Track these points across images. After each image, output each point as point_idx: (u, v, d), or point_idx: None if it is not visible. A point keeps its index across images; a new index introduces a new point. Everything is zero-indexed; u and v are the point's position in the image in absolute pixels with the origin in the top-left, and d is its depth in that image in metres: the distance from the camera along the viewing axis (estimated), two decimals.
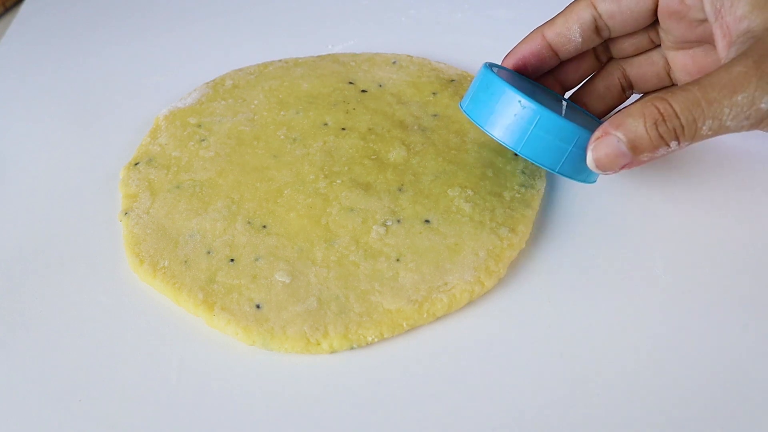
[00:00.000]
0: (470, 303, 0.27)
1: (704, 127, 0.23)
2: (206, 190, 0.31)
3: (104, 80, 0.40)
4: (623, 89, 0.31)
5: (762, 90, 0.22)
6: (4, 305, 0.28)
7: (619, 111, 0.24)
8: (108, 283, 0.29)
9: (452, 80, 0.37)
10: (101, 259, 0.30)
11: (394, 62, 0.39)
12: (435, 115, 0.35)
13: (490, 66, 0.28)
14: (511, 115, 0.26)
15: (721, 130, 0.23)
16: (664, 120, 0.23)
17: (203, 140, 0.34)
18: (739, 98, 0.22)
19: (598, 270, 0.28)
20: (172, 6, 0.47)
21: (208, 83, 0.38)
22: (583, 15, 0.28)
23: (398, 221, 0.29)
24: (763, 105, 0.22)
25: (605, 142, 0.24)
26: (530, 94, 0.26)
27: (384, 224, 0.29)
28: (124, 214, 0.31)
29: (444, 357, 0.26)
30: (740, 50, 0.23)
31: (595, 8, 0.27)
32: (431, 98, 0.36)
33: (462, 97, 0.36)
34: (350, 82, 0.37)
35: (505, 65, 0.30)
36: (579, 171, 0.26)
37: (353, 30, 0.44)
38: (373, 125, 0.34)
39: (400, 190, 0.31)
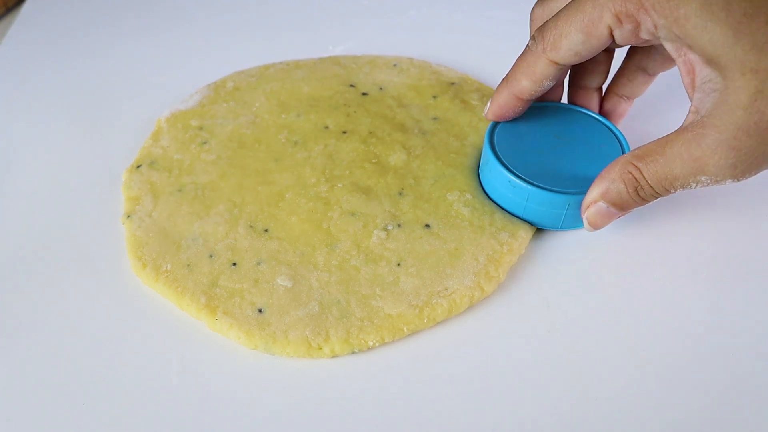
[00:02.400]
0: (470, 307, 0.27)
1: (676, 192, 0.25)
2: (208, 193, 0.31)
3: (105, 81, 0.40)
4: (646, 71, 0.31)
5: (723, 175, 0.23)
6: (6, 308, 0.28)
7: (601, 174, 0.26)
8: (110, 286, 0.29)
9: (452, 83, 0.38)
10: (104, 262, 0.30)
11: (394, 65, 0.39)
12: (435, 119, 0.35)
13: (494, 125, 0.31)
14: (508, 192, 0.29)
15: (694, 189, 0.24)
16: (641, 186, 0.25)
17: (205, 143, 0.34)
18: (703, 178, 0.23)
19: (597, 275, 0.29)
20: (173, 7, 0.47)
21: (209, 85, 0.38)
22: (547, 72, 0.27)
23: (399, 225, 0.30)
24: (727, 183, 0.24)
25: (595, 210, 0.26)
26: (532, 146, 0.29)
27: (385, 228, 0.29)
28: (126, 217, 0.31)
29: (444, 362, 0.26)
30: (703, 106, 0.23)
31: (557, 63, 0.27)
32: (432, 101, 0.36)
33: (462, 101, 0.36)
34: (351, 85, 0.37)
35: (490, 119, 0.31)
36: (580, 222, 0.29)
37: (354, 31, 0.44)
38: (374, 128, 0.34)
39: (400, 194, 0.31)
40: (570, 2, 0.26)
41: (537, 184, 0.28)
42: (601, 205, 0.26)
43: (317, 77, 0.38)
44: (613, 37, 0.25)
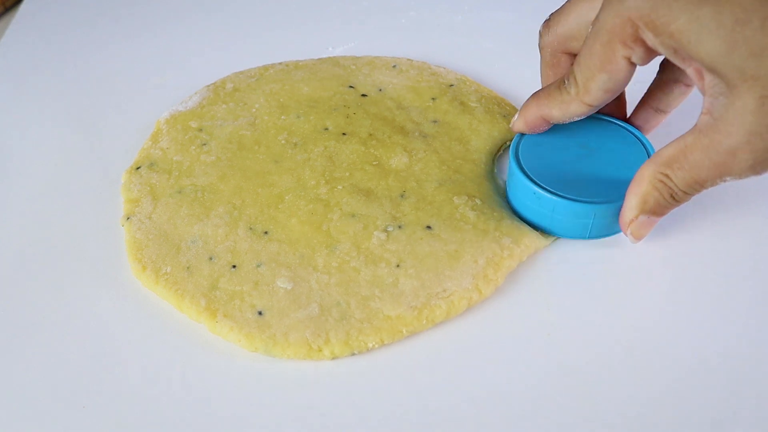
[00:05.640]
0: (469, 310, 0.28)
1: (708, 190, 0.25)
2: (208, 195, 0.32)
3: (104, 82, 0.40)
4: (683, 83, 0.30)
5: (745, 174, 0.24)
6: (5, 311, 0.28)
7: (631, 188, 0.26)
8: (110, 289, 0.29)
9: (451, 85, 0.38)
10: (103, 264, 0.30)
11: (394, 66, 0.39)
12: (435, 122, 0.35)
13: (520, 136, 0.31)
14: (533, 204, 0.29)
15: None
16: (674, 192, 0.25)
17: (204, 144, 0.34)
18: (728, 178, 0.24)
19: (596, 280, 0.29)
20: (172, 8, 0.47)
21: (208, 86, 0.38)
22: (580, 111, 0.27)
23: (399, 227, 0.30)
24: (749, 177, 0.24)
25: (638, 224, 0.27)
26: (558, 157, 0.29)
27: (385, 230, 0.30)
28: (126, 219, 0.31)
29: (443, 363, 0.26)
30: (714, 108, 0.23)
31: (591, 105, 0.27)
32: (430, 104, 0.36)
33: (461, 103, 0.36)
34: (350, 86, 0.37)
35: (516, 132, 0.31)
36: (607, 231, 0.29)
37: (354, 32, 0.44)
38: (374, 130, 0.34)
39: (402, 196, 0.31)
40: (585, 41, 0.26)
41: (562, 194, 0.28)
42: (642, 217, 0.27)
43: (317, 78, 0.38)
44: (634, 62, 0.25)
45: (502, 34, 0.43)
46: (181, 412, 0.25)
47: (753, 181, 0.32)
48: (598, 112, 0.31)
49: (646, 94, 0.31)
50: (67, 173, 0.34)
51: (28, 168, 0.35)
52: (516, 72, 0.40)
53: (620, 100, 0.32)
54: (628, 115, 0.32)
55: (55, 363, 0.26)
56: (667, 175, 0.25)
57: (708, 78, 0.23)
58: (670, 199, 0.26)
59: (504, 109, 0.36)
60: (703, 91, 0.24)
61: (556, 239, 0.30)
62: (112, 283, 0.29)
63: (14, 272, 0.30)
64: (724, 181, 0.24)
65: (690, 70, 0.24)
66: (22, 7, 0.47)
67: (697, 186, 0.25)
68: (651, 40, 0.23)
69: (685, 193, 0.25)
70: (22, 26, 0.45)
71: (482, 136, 0.34)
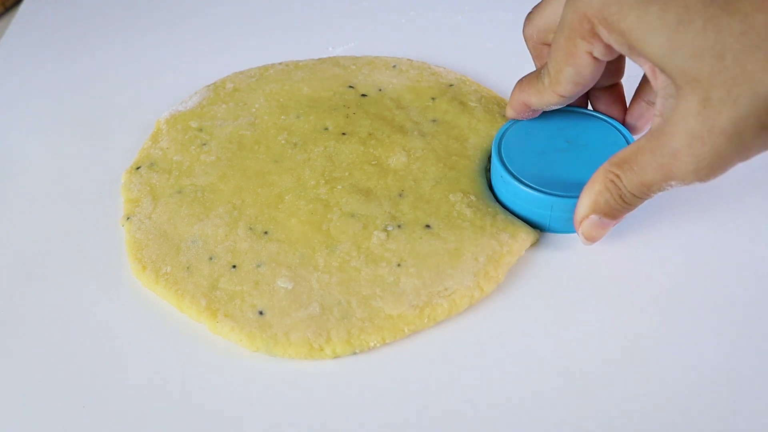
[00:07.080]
0: (470, 307, 0.28)
1: (656, 194, 0.25)
2: (208, 195, 0.31)
3: (104, 83, 0.40)
4: None
5: (689, 179, 0.23)
6: (5, 311, 0.28)
7: (586, 186, 0.26)
8: (110, 289, 0.29)
9: (451, 85, 0.38)
10: (103, 264, 0.30)
11: (394, 66, 0.39)
12: (434, 121, 0.35)
13: (511, 123, 0.32)
14: (502, 187, 0.30)
15: (669, 190, 0.25)
16: (623, 193, 0.25)
17: (204, 144, 0.34)
18: (673, 182, 0.24)
19: (598, 276, 0.29)
20: (172, 8, 0.47)
21: (208, 86, 0.38)
22: (554, 101, 0.28)
23: (399, 226, 0.30)
24: (695, 184, 0.24)
25: (588, 224, 0.27)
26: (538, 147, 0.30)
27: (385, 230, 0.30)
28: (126, 219, 0.31)
29: (445, 361, 0.26)
30: (665, 111, 0.23)
31: (563, 96, 0.27)
32: (430, 103, 0.36)
33: (460, 103, 0.36)
34: (350, 86, 0.37)
35: (508, 118, 0.32)
36: (568, 227, 0.30)
37: (354, 32, 0.44)
38: (374, 130, 0.34)
39: (400, 195, 0.31)
40: (555, 34, 0.26)
41: (524, 181, 0.29)
42: (594, 217, 0.26)
43: (317, 78, 0.38)
44: (597, 57, 0.25)
45: (502, 34, 0.43)
46: (181, 412, 0.24)
47: (751, 178, 0.32)
48: (595, 110, 0.32)
49: (637, 87, 0.31)
50: (68, 174, 0.34)
51: (28, 168, 0.35)
52: (516, 72, 0.39)
53: (620, 102, 0.31)
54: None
55: (55, 363, 0.26)
56: (617, 176, 0.25)
57: (660, 78, 0.23)
58: (620, 201, 0.25)
59: (503, 108, 0.36)
60: (657, 91, 0.24)
61: (543, 232, 0.30)
62: (112, 283, 0.29)
63: (14, 272, 0.30)
64: (671, 186, 0.24)
65: (646, 68, 0.24)
66: (22, 7, 0.47)
67: (644, 189, 0.25)
68: (605, 36, 0.23)
69: (633, 195, 0.25)
70: (22, 26, 0.45)
71: (481, 135, 0.34)
